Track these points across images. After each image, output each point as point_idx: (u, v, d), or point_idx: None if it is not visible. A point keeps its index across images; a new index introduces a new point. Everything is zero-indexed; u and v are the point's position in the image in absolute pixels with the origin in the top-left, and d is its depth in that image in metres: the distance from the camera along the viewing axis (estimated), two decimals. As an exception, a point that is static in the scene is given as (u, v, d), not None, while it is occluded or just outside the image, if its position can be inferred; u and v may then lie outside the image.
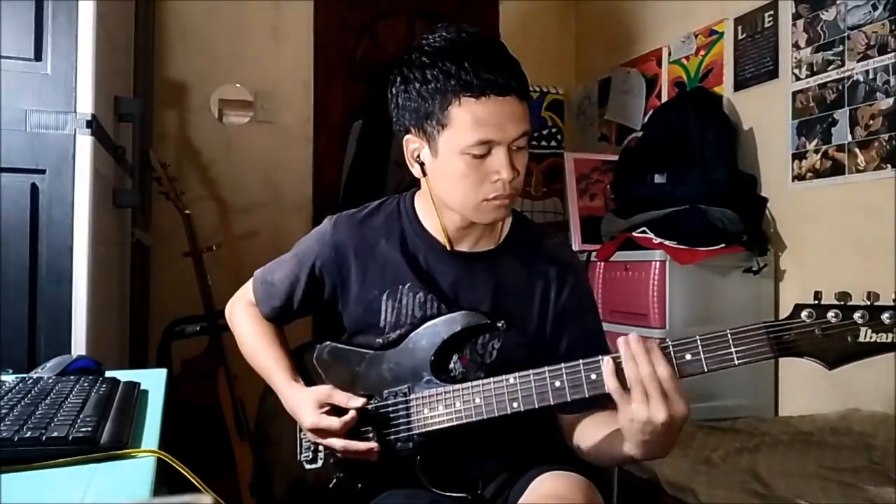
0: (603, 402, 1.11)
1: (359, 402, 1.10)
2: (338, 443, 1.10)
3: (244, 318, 1.30)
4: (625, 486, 1.77)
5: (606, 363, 0.95)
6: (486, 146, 1.05)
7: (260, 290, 1.29)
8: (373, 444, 1.10)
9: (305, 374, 1.21)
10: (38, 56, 1.50)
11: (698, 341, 0.92)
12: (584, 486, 1.08)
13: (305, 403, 1.12)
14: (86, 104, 1.52)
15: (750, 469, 1.72)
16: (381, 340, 1.17)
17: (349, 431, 1.10)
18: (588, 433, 1.11)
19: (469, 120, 1.04)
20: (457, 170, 1.07)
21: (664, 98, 3.04)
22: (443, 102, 1.05)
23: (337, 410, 1.10)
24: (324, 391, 1.12)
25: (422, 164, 1.13)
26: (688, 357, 0.92)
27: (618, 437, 0.99)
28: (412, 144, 1.13)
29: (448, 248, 1.17)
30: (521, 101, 1.06)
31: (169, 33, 3.12)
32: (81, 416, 0.81)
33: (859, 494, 1.54)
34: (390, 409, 1.12)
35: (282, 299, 1.25)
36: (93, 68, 1.53)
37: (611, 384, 0.94)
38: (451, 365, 1.14)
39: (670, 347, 0.93)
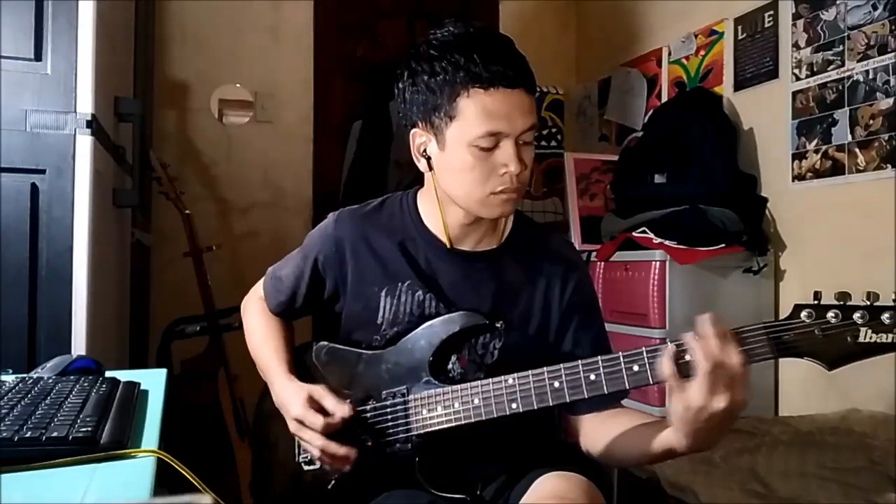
0: (614, 401, 1.11)
1: (346, 410, 1.08)
2: (317, 440, 1.08)
3: (254, 311, 1.32)
4: (625, 486, 1.78)
5: (669, 348, 0.91)
6: (494, 138, 1.04)
7: (269, 285, 1.30)
8: (350, 450, 1.07)
9: (304, 373, 1.21)
10: (38, 56, 1.50)
11: (698, 342, 0.91)
12: (584, 486, 1.08)
13: (296, 396, 1.11)
14: (86, 104, 1.52)
15: (750, 469, 1.72)
16: (378, 338, 1.17)
17: (333, 434, 1.08)
18: (608, 432, 1.08)
19: (478, 111, 1.03)
20: (464, 162, 1.06)
21: (664, 98, 3.03)
22: (451, 94, 1.04)
23: (326, 412, 1.09)
24: (318, 389, 1.11)
25: (428, 159, 1.12)
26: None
27: (655, 430, 0.98)
28: (419, 139, 1.12)
29: (448, 246, 1.17)
30: (529, 94, 1.06)
31: (169, 33, 3.12)
32: (81, 416, 0.81)
33: (859, 494, 1.54)
34: (389, 409, 1.12)
35: (287, 294, 1.26)
36: (93, 68, 1.53)
37: (668, 369, 0.90)
38: (450, 365, 1.14)
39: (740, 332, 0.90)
